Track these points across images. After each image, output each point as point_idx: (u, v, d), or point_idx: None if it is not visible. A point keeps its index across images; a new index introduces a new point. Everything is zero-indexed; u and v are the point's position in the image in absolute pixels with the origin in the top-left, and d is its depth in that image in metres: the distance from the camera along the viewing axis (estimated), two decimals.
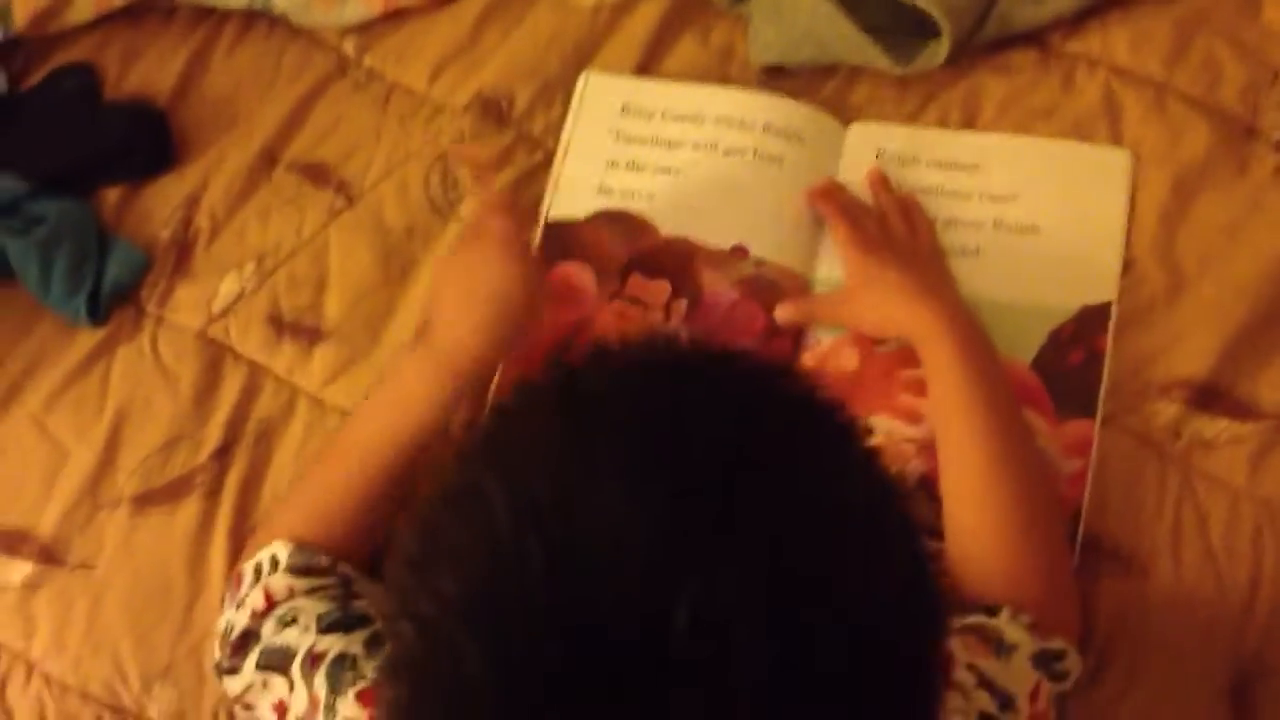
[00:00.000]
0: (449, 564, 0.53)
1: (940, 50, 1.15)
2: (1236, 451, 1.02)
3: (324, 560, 0.93)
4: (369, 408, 1.01)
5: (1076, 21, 1.18)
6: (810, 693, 0.51)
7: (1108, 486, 1.01)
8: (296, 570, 0.91)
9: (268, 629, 0.89)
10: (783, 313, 1.07)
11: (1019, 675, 0.84)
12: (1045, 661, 0.86)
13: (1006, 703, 0.82)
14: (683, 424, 0.54)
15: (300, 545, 0.92)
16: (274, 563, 0.92)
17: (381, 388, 1.02)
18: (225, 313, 1.13)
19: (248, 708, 0.90)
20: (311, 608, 0.88)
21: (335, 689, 0.82)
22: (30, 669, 1.03)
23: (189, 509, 1.05)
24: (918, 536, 0.59)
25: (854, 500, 0.56)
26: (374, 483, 0.96)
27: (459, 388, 0.98)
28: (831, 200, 1.09)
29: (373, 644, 0.85)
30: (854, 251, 1.06)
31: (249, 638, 0.90)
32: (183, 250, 1.16)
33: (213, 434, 1.08)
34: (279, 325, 1.12)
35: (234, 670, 0.90)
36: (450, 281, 1.01)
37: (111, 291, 1.13)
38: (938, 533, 0.96)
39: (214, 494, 1.06)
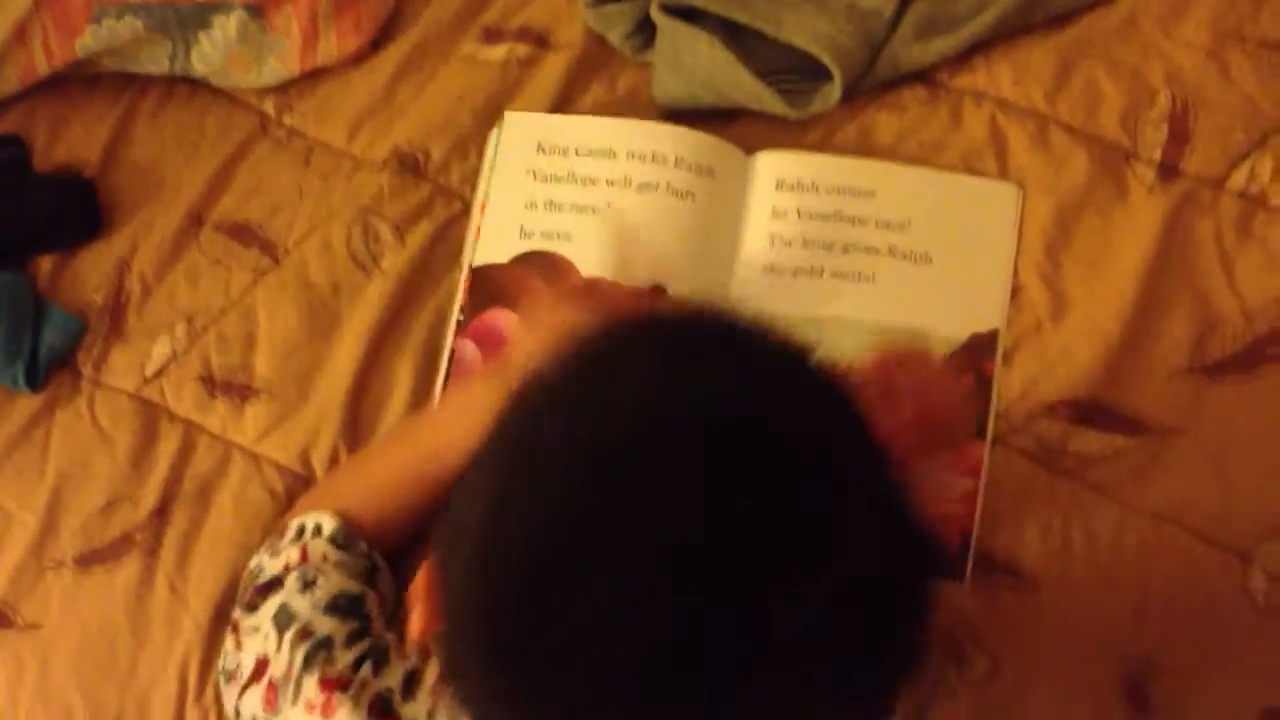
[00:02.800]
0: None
1: (833, 93, 1.20)
2: (1119, 465, 1.08)
3: (363, 545, 1.00)
4: (442, 414, 1.08)
5: (962, 59, 1.24)
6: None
7: (1000, 503, 1.07)
8: (336, 543, 0.99)
9: (290, 581, 0.96)
10: None
11: None
12: None
13: None
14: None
15: (346, 522, 1.00)
16: (317, 529, 1.00)
17: (455, 400, 1.09)
18: (159, 374, 1.17)
19: (238, 646, 0.97)
20: (335, 580, 0.96)
21: (306, 667, 0.91)
22: None
23: (130, 566, 1.10)
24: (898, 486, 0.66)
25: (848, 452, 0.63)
26: (429, 481, 1.01)
27: None
28: None
29: (352, 638, 0.93)
30: None
31: (274, 585, 0.97)
32: (116, 314, 1.20)
33: (150, 493, 1.12)
34: (211, 384, 1.16)
35: (253, 607, 0.98)
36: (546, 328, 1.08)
37: (48, 358, 1.17)
38: None
39: (153, 551, 1.10)
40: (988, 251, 1.16)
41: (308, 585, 0.96)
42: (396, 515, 1.02)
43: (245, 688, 0.94)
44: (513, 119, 1.24)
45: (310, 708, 0.90)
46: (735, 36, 1.22)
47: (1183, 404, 1.09)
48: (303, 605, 0.95)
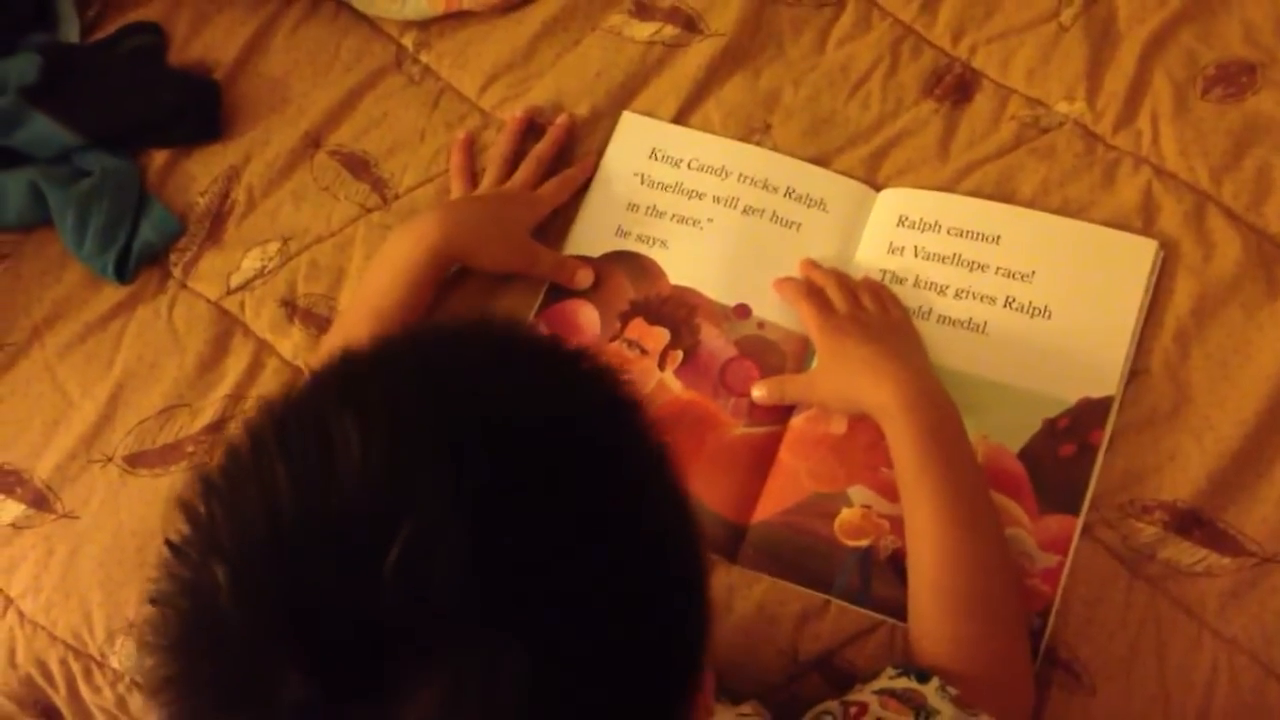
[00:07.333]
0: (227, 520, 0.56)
1: None
2: (1210, 584, 1.00)
3: None
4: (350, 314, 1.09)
5: (1129, 113, 1.16)
6: (503, 619, 0.52)
7: (1072, 597, 1.00)
8: None
9: None
10: (758, 391, 1.07)
11: None
12: None
13: None
14: (429, 384, 0.58)
15: None
16: None
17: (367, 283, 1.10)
18: (243, 287, 1.16)
19: None
20: None
21: None
22: (7, 603, 1.07)
23: (176, 476, 1.08)
24: (669, 473, 0.61)
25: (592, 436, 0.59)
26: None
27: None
28: (799, 283, 1.10)
29: None
30: (820, 332, 1.06)
31: None
32: (216, 220, 1.19)
33: (211, 405, 1.11)
34: (292, 309, 1.15)
35: None
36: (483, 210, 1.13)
37: (141, 252, 1.17)
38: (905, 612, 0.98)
39: (202, 466, 1.09)
40: (1114, 311, 1.08)
41: None
42: None
43: None
44: (630, 120, 1.20)
45: None
46: None
47: None
48: None
